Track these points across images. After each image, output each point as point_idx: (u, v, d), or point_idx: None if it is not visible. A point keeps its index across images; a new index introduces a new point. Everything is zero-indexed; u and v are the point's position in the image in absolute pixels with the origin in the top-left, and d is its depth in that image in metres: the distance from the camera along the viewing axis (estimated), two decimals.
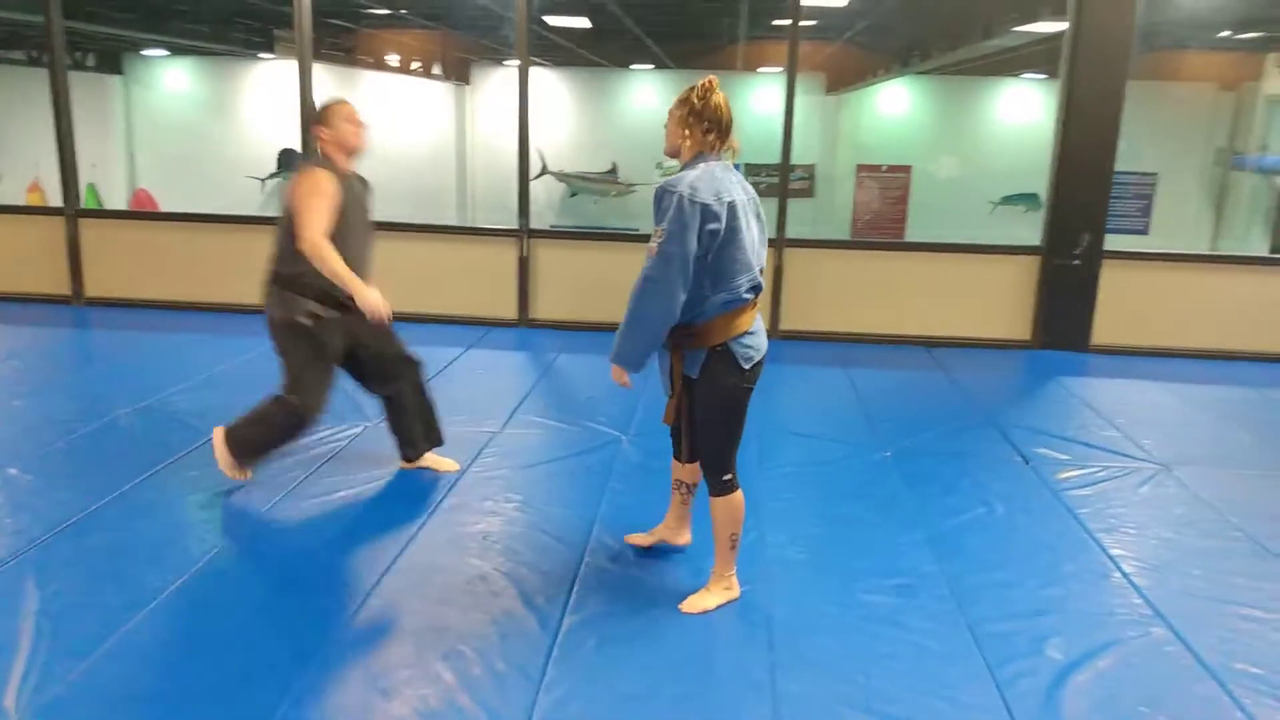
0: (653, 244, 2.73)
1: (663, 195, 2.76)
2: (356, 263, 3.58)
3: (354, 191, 3.64)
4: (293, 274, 3.56)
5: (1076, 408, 5.26)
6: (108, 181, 13.24)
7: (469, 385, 5.34)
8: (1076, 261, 6.34)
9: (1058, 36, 6.87)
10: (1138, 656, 2.84)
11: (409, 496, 3.78)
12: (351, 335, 3.73)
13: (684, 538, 3.40)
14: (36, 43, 13.19)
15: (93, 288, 6.98)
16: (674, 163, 2.97)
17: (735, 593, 3.10)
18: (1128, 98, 6.18)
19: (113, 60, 14.07)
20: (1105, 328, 6.45)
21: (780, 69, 14.26)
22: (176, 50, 13.95)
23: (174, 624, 2.85)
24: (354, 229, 3.61)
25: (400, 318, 6.65)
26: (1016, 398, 5.62)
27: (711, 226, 2.73)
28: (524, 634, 2.86)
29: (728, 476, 2.98)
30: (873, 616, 3.01)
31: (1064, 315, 6.44)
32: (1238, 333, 6.41)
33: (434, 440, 4.05)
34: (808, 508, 3.86)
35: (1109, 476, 4.22)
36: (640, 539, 3.45)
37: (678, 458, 3.24)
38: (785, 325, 6.66)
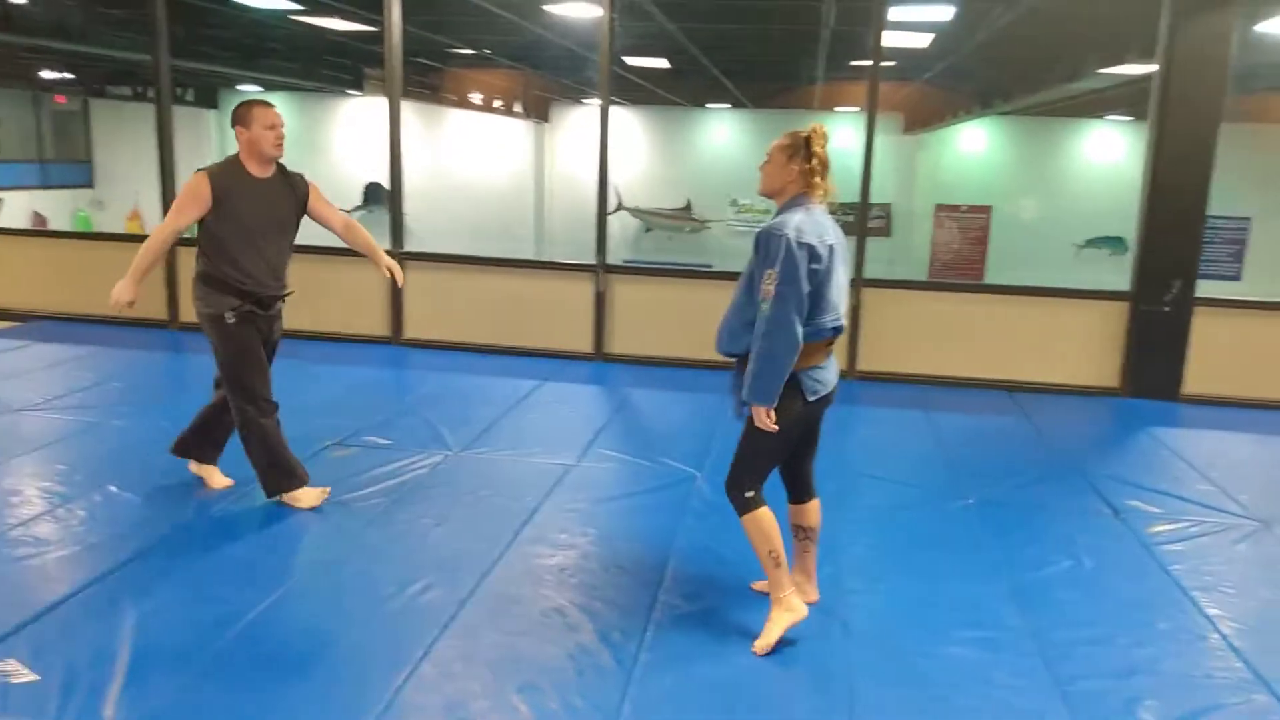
0: (768, 286, 2.82)
1: (769, 239, 2.85)
2: (255, 259, 3.76)
3: (258, 193, 3.76)
4: (212, 273, 3.75)
5: (1168, 459, 5.09)
6: None
7: (545, 418, 5.40)
8: (1167, 308, 6.16)
9: (1145, 78, 6.75)
10: None
11: (487, 526, 3.82)
12: (265, 338, 3.94)
13: (810, 595, 3.29)
14: (142, 79, 13.89)
15: (187, 313, 7.25)
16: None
17: (799, 611, 3.04)
18: (1221, 140, 6.02)
19: (209, 95, 14.71)
20: (1197, 377, 6.24)
21: (856, 108, 14.25)
22: (269, 86, 14.53)
23: (262, 643, 2.91)
24: (251, 229, 3.74)
25: (478, 349, 6.83)
26: (1104, 447, 5.46)
27: (815, 266, 2.85)
28: (599, 670, 2.86)
29: (749, 494, 3.02)
30: (956, 669, 2.94)
31: (1154, 363, 6.25)
32: None
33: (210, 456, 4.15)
34: (887, 554, 3.79)
35: (1204, 532, 4.07)
36: (766, 586, 3.29)
37: (792, 500, 3.23)
38: (862, 365, 6.59)
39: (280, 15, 9.66)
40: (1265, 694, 2.86)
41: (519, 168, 14.81)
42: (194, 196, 3.64)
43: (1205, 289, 6.30)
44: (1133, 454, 5.27)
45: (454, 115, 14.89)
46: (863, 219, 6.70)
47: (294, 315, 6.98)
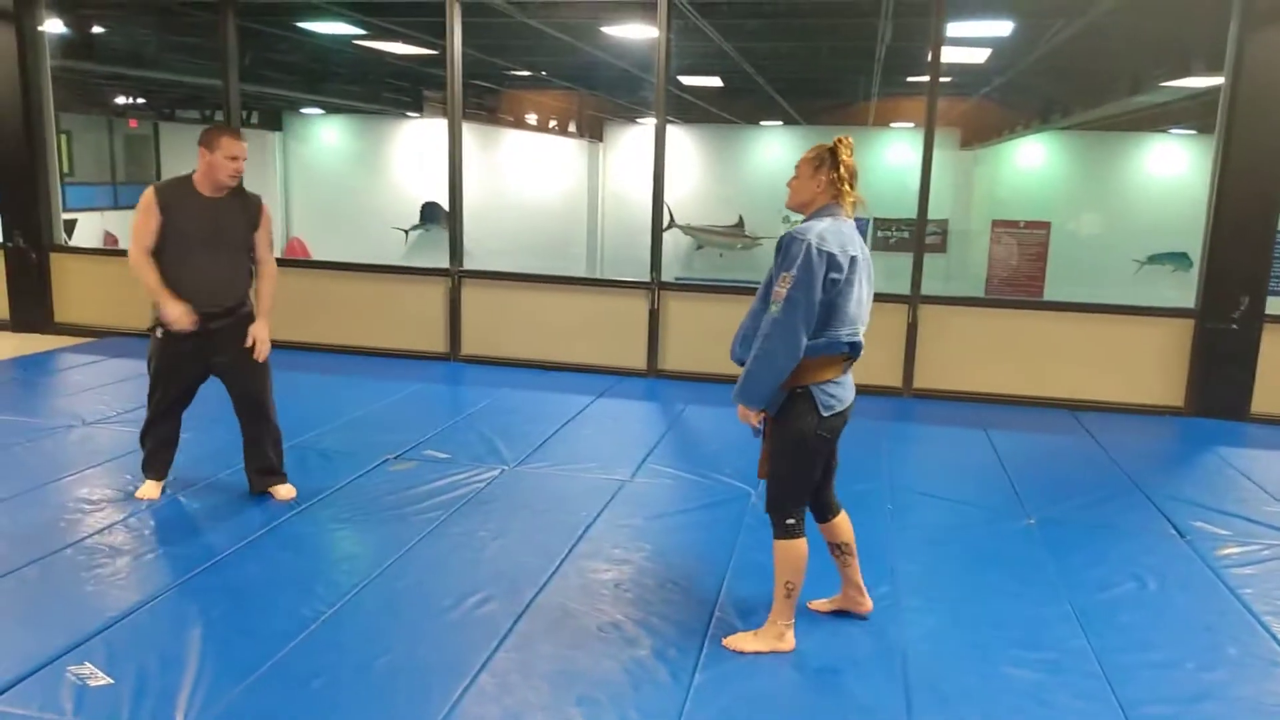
0: (780, 289, 2.80)
1: (791, 243, 2.84)
2: (192, 276, 3.86)
3: (203, 211, 3.86)
4: None
5: (1235, 480, 4.95)
6: None
7: (599, 434, 5.44)
8: (1234, 325, 6.01)
9: (1210, 91, 6.61)
10: None
11: (543, 540, 3.86)
12: (204, 358, 4.00)
13: (865, 605, 3.30)
14: (210, 103, 14.34)
15: None
16: (799, 217, 3.03)
17: (788, 644, 3.06)
18: None
19: (273, 118, 15.12)
20: (1267, 396, 6.06)
21: (912, 124, 14.15)
22: (331, 109, 14.89)
23: (323, 654, 2.97)
24: (191, 246, 3.86)
25: (533, 365, 6.91)
26: (1169, 467, 5.33)
27: (834, 275, 2.83)
28: (656, 685, 2.86)
29: (791, 521, 3.00)
30: (1018, 691, 2.89)
31: (1221, 382, 6.10)
32: None
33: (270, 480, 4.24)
34: (946, 573, 3.75)
35: (1275, 555, 3.95)
36: (822, 605, 3.37)
37: (820, 520, 3.22)
38: (919, 383, 6.53)
39: (345, 40, 9.92)
40: None
41: (573, 187, 14.95)
42: (144, 210, 3.84)
43: (1275, 306, 6.13)
44: (1198, 474, 5.13)
45: (510, 135, 15.11)
46: (920, 235, 6.65)
47: (354, 331, 7.22)
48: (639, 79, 11.16)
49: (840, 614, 3.32)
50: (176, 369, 4.01)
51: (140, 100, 14.82)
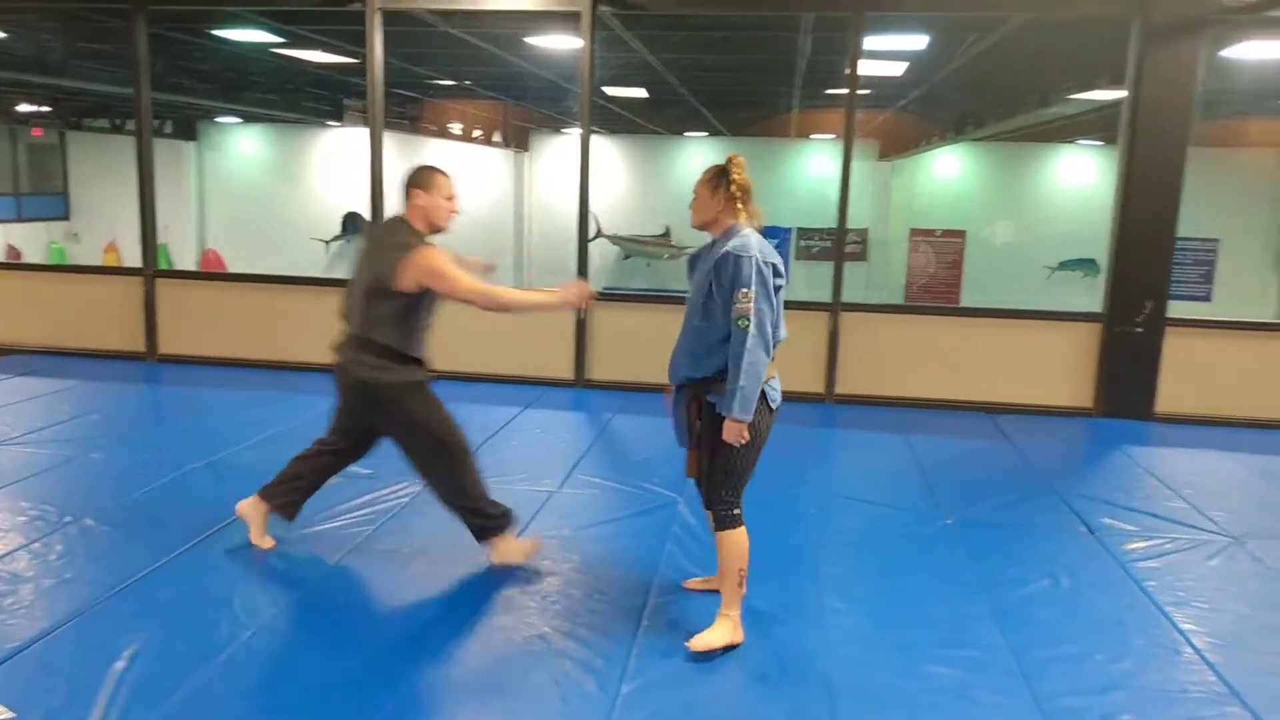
0: (745, 305, 2.95)
1: (739, 260, 2.98)
2: (429, 332, 3.75)
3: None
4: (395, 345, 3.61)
5: (1141, 477, 5.15)
6: (178, 242, 13.76)
7: (526, 445, 5.41)
8: (1139, 329, 6.26)
9: (1116, 104, 6.89)
10: None
11: (468, 554, 3.82)
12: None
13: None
14: (120, 112, 13.89)
15: (165, 345, 7.22)
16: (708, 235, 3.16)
17: (740, 637, 3.16)
18: (1189, 163, 6.15)
19: (187, 126, 14.71)
20: (1169, 396, 6.33)
21: (832, 135, 14.43)
22: (249, 118, 14.56)
23: (242, 676, 2.90)
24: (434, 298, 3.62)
25: (459, 377, 6.83)
26: (1080, 466, 5.52)
27: (777, 282, 3.04)
28: (584, 696, 2.86)
29: (737, 510, 3.16)
30: (938, 689, 2.96)
31: (1127, 383, 6.34)
32: None
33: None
34: (868, 575, 3.82)
35: (1178, 549, 4.12)
36: (696, 584, 3.56)
37: (706, 506, 3.32)
38: (841, 389, 6.65)
39: (262, 48, 9.72)
40: (1238, 706, 2.90)
41: (499, 197, 14.89)
42: (446, 260, 3.48)
43: (1176, 309, 6.41)
44: (1107, 473, 5.33)
45: (434, 145, 14.97)
46: (840, 244, 6.78)
47: (273, 345, 7.06)
48: (564, 89, 11.16)
49: (763, 619, 3.35)
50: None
51: (45, 109, 14.27)
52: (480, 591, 3.51)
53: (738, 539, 3.15)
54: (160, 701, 2.72)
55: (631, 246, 14.16)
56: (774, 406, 3.14)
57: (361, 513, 4.20)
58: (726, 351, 3.01)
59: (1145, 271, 6.27)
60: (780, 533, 4.13)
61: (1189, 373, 6.30)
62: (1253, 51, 7.61)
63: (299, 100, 13.85)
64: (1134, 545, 4.14)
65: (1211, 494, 4.84)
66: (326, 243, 13.81)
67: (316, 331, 7.08)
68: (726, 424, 3.02)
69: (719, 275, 3.01)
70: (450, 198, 3.61)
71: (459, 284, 3.46)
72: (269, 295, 7.25)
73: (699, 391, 3.12)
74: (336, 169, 13.81)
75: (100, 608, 3.27)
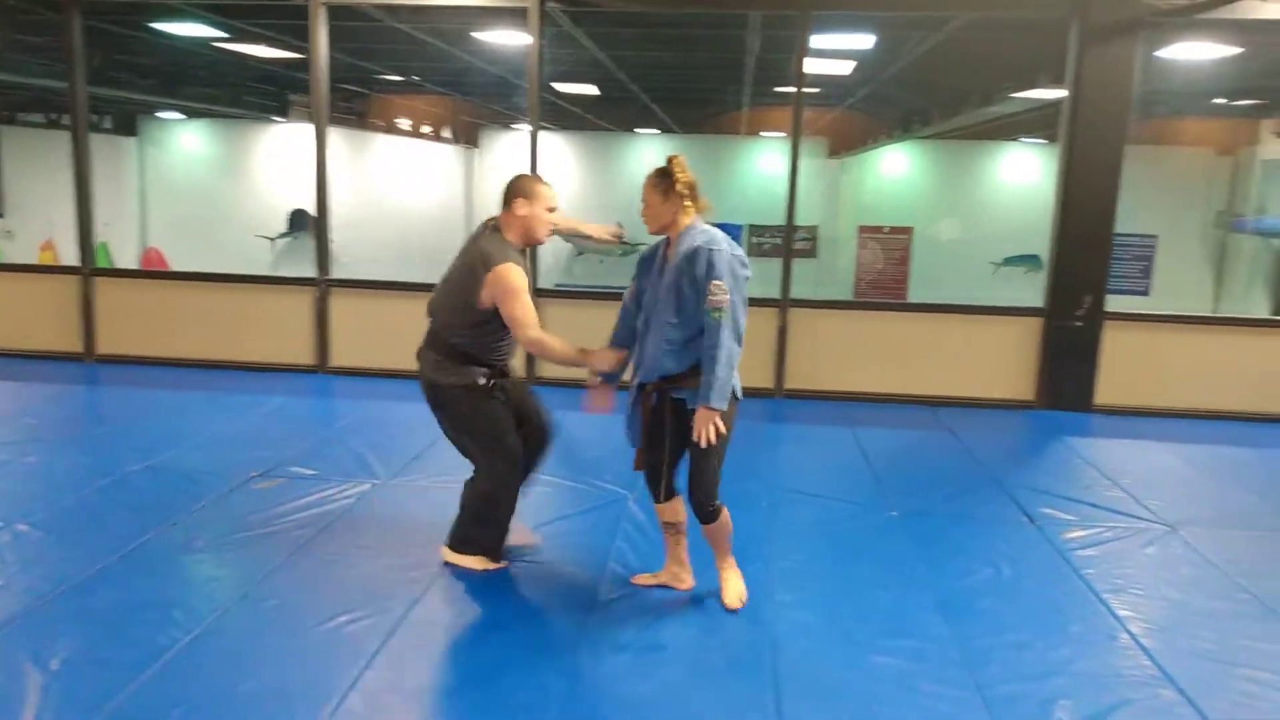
0: (720, 297, 3.02)
1: (711, 254, 3.06)
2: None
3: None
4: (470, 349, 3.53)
5: (1081, 468, 5.27)
6: (119, 240, 13.43)
7: None
8: (1078, 323, 6.39)
9: (1056, 103, 7.02)
10: (1146, 719, 2.82)
11: (417, 555, 3.78)
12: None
13: (687, 582, 3.52)
14: (56, 106, 13.52)
15: (104, 345, 7.05)
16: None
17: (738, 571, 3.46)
18: (1127, 162, 6.29)
19: (128, 122, 14.37)
20: (1108, 388, 6.48)
21: (782, 133, 14.53)
22: (191, 113, 14.27)
23: (181, 682, 2.84)
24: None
25: (408, 376, 6.74)
26: (1022, 458, 5.63)
27: (745, 274, 3.18)
28: (531, 691, 2.85)
29: (718, 502, 3.28)
30: (884, 679, 3.00)
31: (1067, 376, 6.48)
32: (1239, 394, 6.43)
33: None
34: (816, 568, 3.86)
35: (1115, 537, 4.22)
36: (645, 579, 3.58)
37: (658, 500, 3.38)
38: (790, 384, 6.70)
39: (203, 42, 9.51)
40: (1171, 689, 2.98)
41: (449, 193, 14.75)
42: (525, 289, 3.39)
43: (1115, 304, 6.56)
44: (1048, 464, 5.45)
45: (381, 141, 14.79)
46: (788, 241, 6.83)
47: (216, 344, 6.93)
48: (513, 85, 11.09)
49: (712, 613, 3.37)
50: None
51: None
52: (427, 592, 3.48)
53: (724, 520, 3.33)
54: (93, 711, 2.65)
55: (584, 243, 14.11)
56: (739, 396, 3.24)
57: (306, 514, 4.13)
58: (699, 345, 3.10)
59: (1085, 267, 6.41)
60: (735, 526, 4.13)
61: (1127, 365, 6.45)
62: (1186, 53, 7.81)
63: (243, 96, 13.60)
64: (1073, 534, 4.24)
65: (1148, 483, 4.97)
66: (272, 240, 13.58)
67: (262, 330, 7.01)
68: (700, 413, 3.06)
69: (692, 271, 3.07)
70: (551, 209, 3.54)
71: (520, 314, 3.36)
72: (213, 294, 7.11)
73: (667, 389, 3.17)
74: (282, 165, 13.58)
75: (32, 615, 3.19)
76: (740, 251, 3.17)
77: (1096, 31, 6.20)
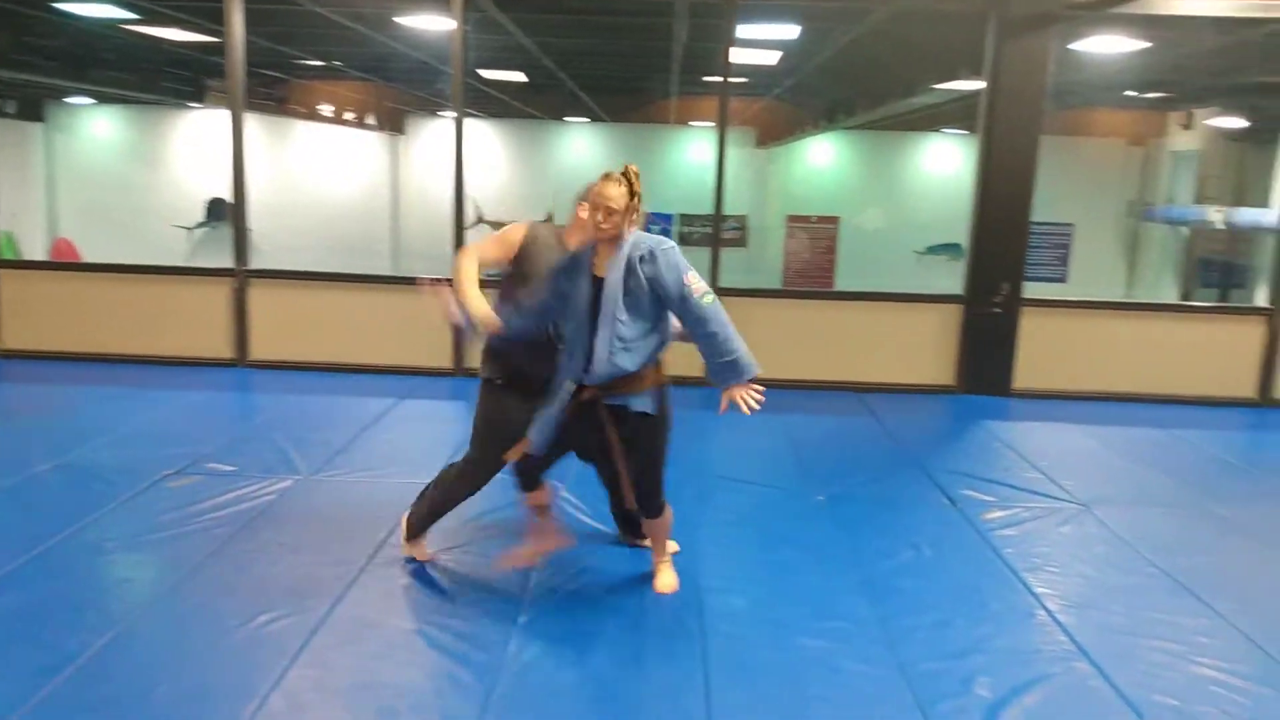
0: (700, 284, 3.13)
1: (668, 253, 3.13)
2: None
3: None
4: None
5: (1000, 451, 5.41)
6: (25, 230, 12.88)
7: (403, 437, 5.29)
8: (997, 309, 6.56)
9: (975, 94, 7.18)
10: (1062, 692, 2.92)
11: (340, 551, 3.72)
12: None
13: (566, 538, 3.63)
14: None
15: (10, 340, 6.76)
16: None
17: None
18: (1044, 152, 6.46)
19: (34, 107, 13.80)
20: (1026, 373, 6.66)
21: (711, 123, 14.60)
22: (102, 99, 13.75)
23: (93, 688, 2.74)
24: None
25: (331, 368, 6.64)
26: (943, 442, 5.76)
27: None
28: (460, 687, 2.82)
29: (664, 499, 3.39)
30: (808, 660, 3.04)
31: (986, 361, 6.65)
32: (1151, 377, 6.68)
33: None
34: (744, 553, 3.89)
35: (1032, 517, 4.35)
36: (524, 555, 3.57)
37: (530, 489, 3.45)
38: None
39: (112, 24, 9.16)
40: (1085, 662, 3.08)
41: (374, 181, 14.49)
42: None
43: (1033, 290, 6.75)
44: (968, 447, 5.58)
45: (303, 128, 14.45)
46: (717, 230, 6.86)
47: (129, 338, 6.70)
48: (437, 71, 10.92)
49: (641, 602, 3.39)
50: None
51: None
52: (352, 588, 3.42)
53: (669, 515, 3.46)
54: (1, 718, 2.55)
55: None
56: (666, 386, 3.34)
57: (224, 512, 4.03)
58: (653, 342, 3.18)
59: (1002, 255, 6.57)
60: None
61: (1045, 350, 6.64)
62: (1098, 46, 8.06)
63: (156, 80, 13.15)
64: (992, 515, 4.35)
65: (1064, 464, 5.13)
66: (189, 229, 13.19)
67: (178, 323, 6.79)
68: (736, 390, 3.14)
69: (654, 271, 3.09)
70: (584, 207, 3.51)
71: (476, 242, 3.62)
72: (127, 286, 6.87)
73: (604, 395, 3.16)
74: (199, 152, 13.20)
75: None
76: None
77: (1013, 24, 6.35)
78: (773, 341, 6.76)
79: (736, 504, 4.43)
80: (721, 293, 6.60)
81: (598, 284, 3.14)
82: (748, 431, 5.70)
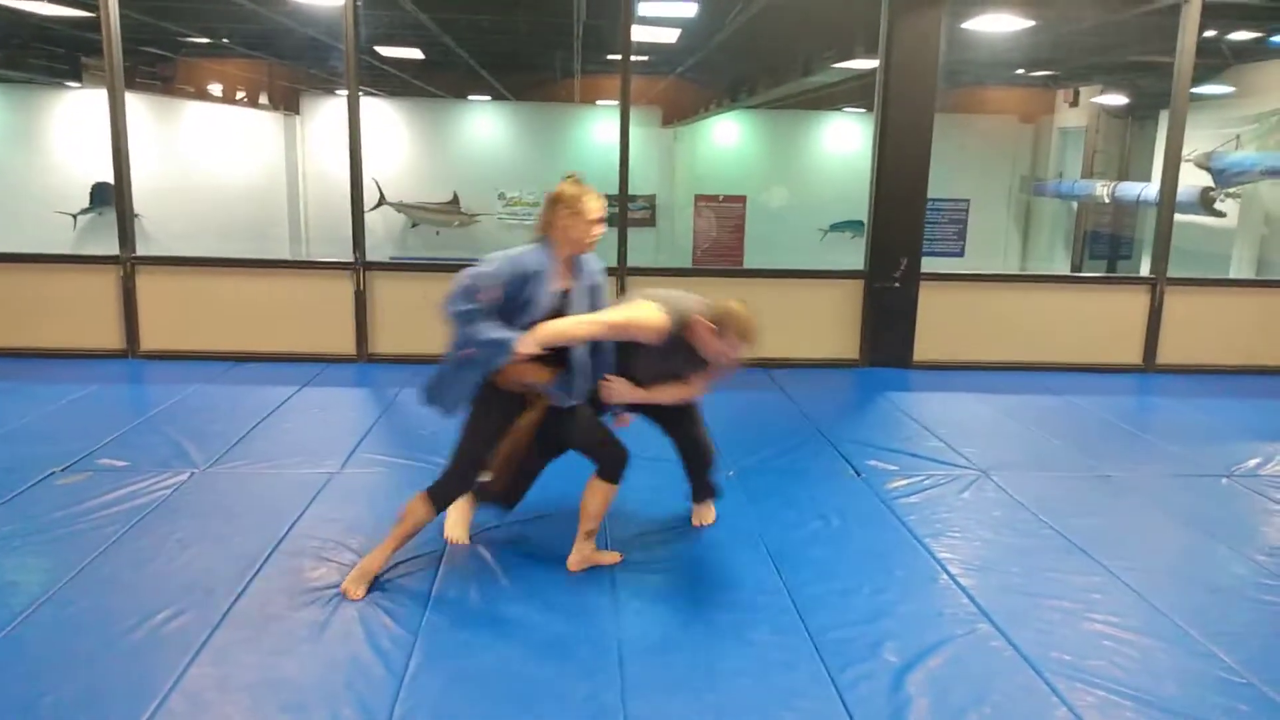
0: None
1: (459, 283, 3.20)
2: None
3: None
4: None
5: (902, 421, 5.56)
6: None
7: (304, 426, 5.14)
8: (896, 284, 6.72)
9: (872, 73, 7.30)
10: (966, 653, 3.01)
11: (241, 544, 3.59)
12: None
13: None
14: None
15: None
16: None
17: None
18: (939, 129, 6.62)
19: None
20: (926, 345, 6.85)
21: (616, 101, 14.54)
22: None
23: None
24: None
25: (228, 357, 6.41)
26: (848, 414, 5.87)
27: None
28: (369, 679, 2.76)
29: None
30: (720, 633, 3.08)
31: (887, 334, 6.81)
32: (1044, 345, 6.94)
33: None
34: (656, 531, 3.90)
35: (934, 484, 4.48)
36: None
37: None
38: None
39: None
40: (987, 624, 3.19)
41: (270, 162, 13.99)
42: None
43: (932, 265, 6.92)
44: (872, 418, 5.71)
45: (193, 108, 13.84)
46: (622, 210, 6.84)
47: (10, 331, 6.34)
48: (330, 47, 10.58)
49: (554, 585, 3.37)
50: None
51: None
52: (256, 580, 3.31)
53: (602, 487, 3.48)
54: None
55: (418, 214, 13.72)
56: None
57: (116, 509, 3.85)
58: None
59: (901, 231, 6.72)
60: (569, 495, 4.14)
61: (943, 322, 6.84)
62: (988, 25, 8.28)
63: (26, 58, 12.41)
64: (896, 484, 4.47)
65: (963, 432, 5.30)
66: (74, 216, 12.53)
67: (63, 313, 6.45)
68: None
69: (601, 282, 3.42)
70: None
71: None
72: (4, 275, 6.48)
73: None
74: (81, 135, 12.53)
75: None
76: None
77: (904, 2, 6.46)
78: None
79: (643, 483, 4.42)
80: (631, 272, 6.66)
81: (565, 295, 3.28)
82: None
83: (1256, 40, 9.54)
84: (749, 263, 12.99)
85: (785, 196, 13.74)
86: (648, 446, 4.94)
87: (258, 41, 12.43)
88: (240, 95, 15.30)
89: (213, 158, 13.23)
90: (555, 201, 3.31)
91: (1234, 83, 11.07)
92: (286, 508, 3.93)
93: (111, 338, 6.46)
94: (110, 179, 6.48)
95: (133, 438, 4.74)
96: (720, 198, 13.42)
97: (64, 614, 3.08)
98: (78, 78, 13.31)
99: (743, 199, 13.48)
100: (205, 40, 12.30)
